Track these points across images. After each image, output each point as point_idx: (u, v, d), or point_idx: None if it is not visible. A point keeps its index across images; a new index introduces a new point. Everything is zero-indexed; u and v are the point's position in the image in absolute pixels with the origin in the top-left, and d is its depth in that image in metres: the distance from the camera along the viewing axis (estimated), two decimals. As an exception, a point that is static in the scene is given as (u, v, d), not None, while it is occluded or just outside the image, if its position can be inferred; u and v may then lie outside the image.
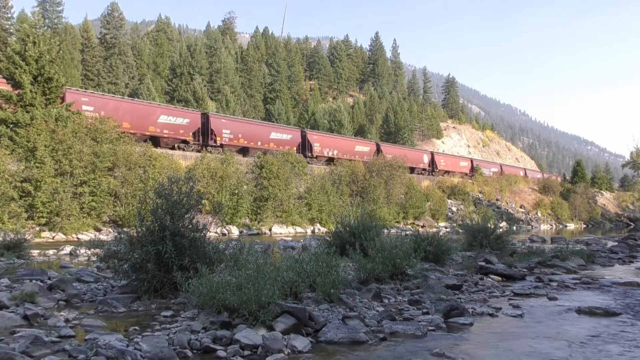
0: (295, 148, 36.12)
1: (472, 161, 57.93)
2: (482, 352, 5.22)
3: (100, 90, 46.18)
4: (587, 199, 55.40)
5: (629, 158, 73.82)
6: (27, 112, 20.39)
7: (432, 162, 50.20)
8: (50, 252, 14.30)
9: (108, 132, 22.24)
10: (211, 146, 31.22)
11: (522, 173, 65.82)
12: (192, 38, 79.51)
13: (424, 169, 48.69)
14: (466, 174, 53.16)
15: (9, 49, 21.46)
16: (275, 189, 27.70)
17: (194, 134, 30.92)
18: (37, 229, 18.72)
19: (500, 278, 10.19)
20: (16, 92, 20.76)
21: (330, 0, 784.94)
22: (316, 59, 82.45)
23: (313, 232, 28.39)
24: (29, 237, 14.54)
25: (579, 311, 7.21)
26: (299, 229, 28.18)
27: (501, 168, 62.16)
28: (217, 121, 32.43)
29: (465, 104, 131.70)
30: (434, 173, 49.34)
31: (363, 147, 43.02)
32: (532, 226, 46.15)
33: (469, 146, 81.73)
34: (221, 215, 23.55)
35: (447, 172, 50.94)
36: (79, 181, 20.13)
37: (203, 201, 9.43)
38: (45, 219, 18.94)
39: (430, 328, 6.03)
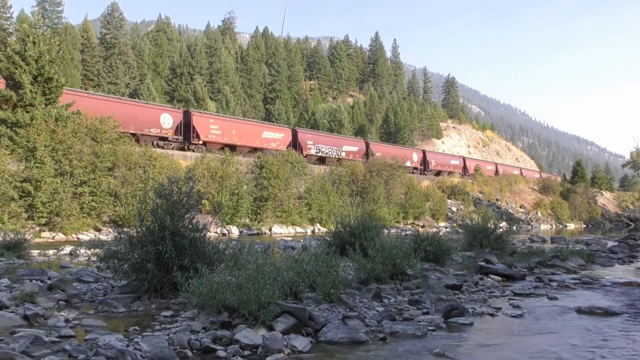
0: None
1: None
2: (482, 352, 5.22)
3: (101, 91, 46.22)
4: (587, 199, 55.39)
5: (629, 158, 73.75)
6: (27, 112, 20.39)
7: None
8: (50, 252, 14.29)
9: (108, 132, 22.23)
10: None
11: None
12: (192, 38, 79.50)
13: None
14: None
15: (8, 49, 21.42)
16: (275, 189, 27.69)
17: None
18: (37, 229, 18.71)
19: (500, 278, 10.20)
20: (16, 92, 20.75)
21: (330, 0, 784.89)
22: (316, 59, 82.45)
23: (313, 232, 28.37)
24: (29, 237, 14.55)
25: (579, 311, 7.22)
26: (299, 229, 28.17)
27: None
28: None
29: (465, 104, 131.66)
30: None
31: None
32: (532, 226, 46.12)
33: (468, 146, 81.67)
34: (221, 215, 23.55)
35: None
36: (79, 181, 20.12)
37: (203, 201, 9.44)
38: (45, 219, 18.93)
39: (430, 328, 6.03)
